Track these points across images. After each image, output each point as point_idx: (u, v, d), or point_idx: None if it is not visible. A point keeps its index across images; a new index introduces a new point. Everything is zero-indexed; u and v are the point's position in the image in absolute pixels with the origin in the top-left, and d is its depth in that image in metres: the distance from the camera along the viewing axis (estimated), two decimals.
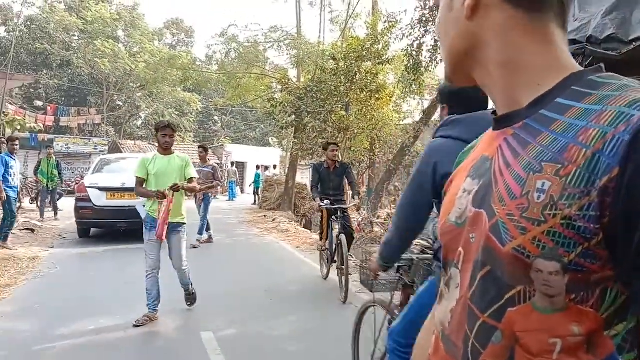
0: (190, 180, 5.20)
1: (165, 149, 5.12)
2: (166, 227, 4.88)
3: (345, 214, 6.81)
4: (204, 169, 9.58)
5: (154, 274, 4.95)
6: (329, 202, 6.81)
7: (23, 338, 4.60)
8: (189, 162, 5.26)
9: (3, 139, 9.76)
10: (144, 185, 5.03)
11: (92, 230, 10.75)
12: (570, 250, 0.63)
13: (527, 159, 0.69)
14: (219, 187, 10.81)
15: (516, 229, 0.67)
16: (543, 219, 0.64)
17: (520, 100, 0.75)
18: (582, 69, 0.74)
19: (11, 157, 8.91)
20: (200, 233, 9.85)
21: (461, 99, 2.31)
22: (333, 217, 6.87)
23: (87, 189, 9.87)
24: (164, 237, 4.89)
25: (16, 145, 9.28)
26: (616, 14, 3.97)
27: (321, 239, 7.22)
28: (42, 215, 12.71)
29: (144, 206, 5.18)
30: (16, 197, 9.16)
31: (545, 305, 0.66)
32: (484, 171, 0.78)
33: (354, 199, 7.60)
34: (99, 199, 9.76)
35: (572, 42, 4.33)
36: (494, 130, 0.81)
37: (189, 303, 5.47)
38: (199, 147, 10.47)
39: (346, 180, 7.34)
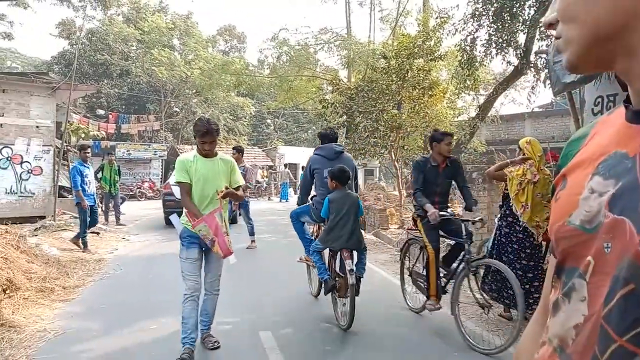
0: (238, 188, 4.49)
1: (206, 156, 4.41)
2: (228, 240, 4.26)
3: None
4: None
5: (193, 298, 4.24)
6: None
7: (92, 337, 4.81)
8: (235, 167, 4.57)
9: (70, 147, 10.15)
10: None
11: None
12: None
13: None
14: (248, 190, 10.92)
15: None
16: None
17: None
18: None
19: (84, 166, 9.21)
20: (251, 234, 9.94)
21: (324, 137, 5.92)
22: (441, 230, 5.22)
23: (171, 186, 11.87)
24: (231, 250, 4.32)
25: (88, 153, 9.65)
26: None
27: (429, 259, 5.11)
28: (106, 219, 13.23)
29: (179, 217, 4.45)
30: (93, 204, 9.40)
31: None
32: (622, 171, 0.66)
33: (470, 210, 5.45)
34: (179, 193, 10.98)
35: None
36: (632, 123, 0.69)
37: (211, 345, 4.50)
38: (233, 148, 10.47)
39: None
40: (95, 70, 35.20)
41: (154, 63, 32.48)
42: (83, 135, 21.92)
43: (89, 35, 35.39)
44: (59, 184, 13.12)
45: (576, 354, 0.68)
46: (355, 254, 5.08)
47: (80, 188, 8.83)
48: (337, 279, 5.13)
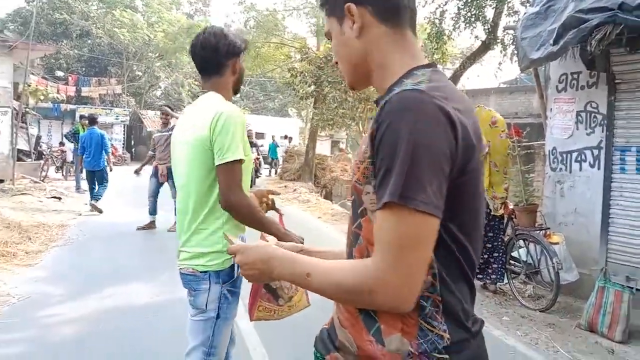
0: None
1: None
2: None
3: None
4: (163, 133, 8.15)
5: None
6: None
7: (57, 302, 4.77)
8: None
9: (28, 109, 10.08)
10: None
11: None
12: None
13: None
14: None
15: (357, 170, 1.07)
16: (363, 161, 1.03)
17: (385, 88, 1.09)
18: (418, 65, 1.08)
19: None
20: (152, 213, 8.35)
21: None
22: None
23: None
24: None
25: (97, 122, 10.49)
26: None
27: None
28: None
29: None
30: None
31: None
32: (363, 142, 1.12)
33: None
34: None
35: (602, 9, 4.21)
36: None
37: None
38: (160, 110, 8.99)
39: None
40: (54, 30, 33.78)
41: (115, 24, 31.44)
42: (42, 98, 21.16)
43: None
44: (17, 147, 12.72)
45: (348, 244, 1.15)
46: None
47: (109, 151, 10.00)
48: None
